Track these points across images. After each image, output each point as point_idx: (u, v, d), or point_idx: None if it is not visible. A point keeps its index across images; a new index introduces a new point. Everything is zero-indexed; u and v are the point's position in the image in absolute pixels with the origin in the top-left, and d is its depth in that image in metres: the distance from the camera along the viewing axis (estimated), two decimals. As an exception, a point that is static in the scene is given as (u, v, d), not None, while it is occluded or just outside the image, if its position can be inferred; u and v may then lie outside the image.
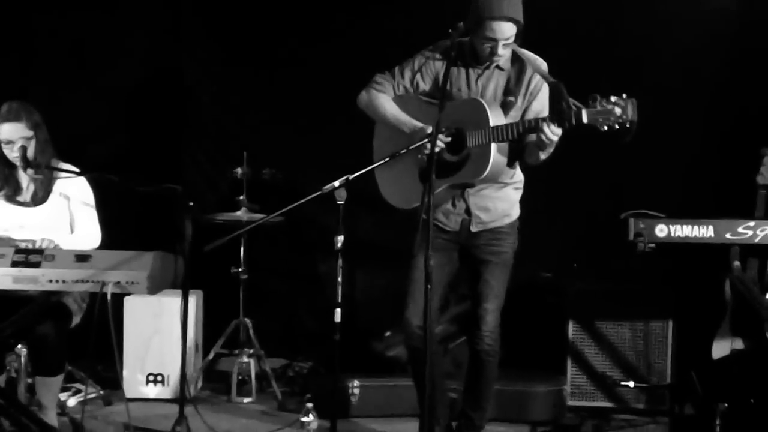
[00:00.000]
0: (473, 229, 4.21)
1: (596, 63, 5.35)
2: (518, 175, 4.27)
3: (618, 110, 3.62)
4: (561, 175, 5.06)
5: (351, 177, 3.76)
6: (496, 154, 3.99)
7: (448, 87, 3.96)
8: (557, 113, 3.77)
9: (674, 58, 5.44)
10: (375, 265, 5.73)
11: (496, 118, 3.97)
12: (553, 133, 3.83)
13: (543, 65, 4.05)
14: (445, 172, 3.98)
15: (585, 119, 3.71)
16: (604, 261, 5.16)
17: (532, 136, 3.93)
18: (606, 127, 3.68)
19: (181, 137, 6.09)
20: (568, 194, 5.57)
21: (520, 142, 4.01)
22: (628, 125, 3.63)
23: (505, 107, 4.06)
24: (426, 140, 3.91)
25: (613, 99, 3.65)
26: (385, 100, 4.21)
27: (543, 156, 4.02)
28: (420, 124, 4.08)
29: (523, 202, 4.32)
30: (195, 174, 5.98)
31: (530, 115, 4.06)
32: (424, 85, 4.18)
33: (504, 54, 3.99)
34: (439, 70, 4.10)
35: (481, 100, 4.02)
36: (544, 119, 3.84)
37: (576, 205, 5.59)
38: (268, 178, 5.44)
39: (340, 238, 3.82)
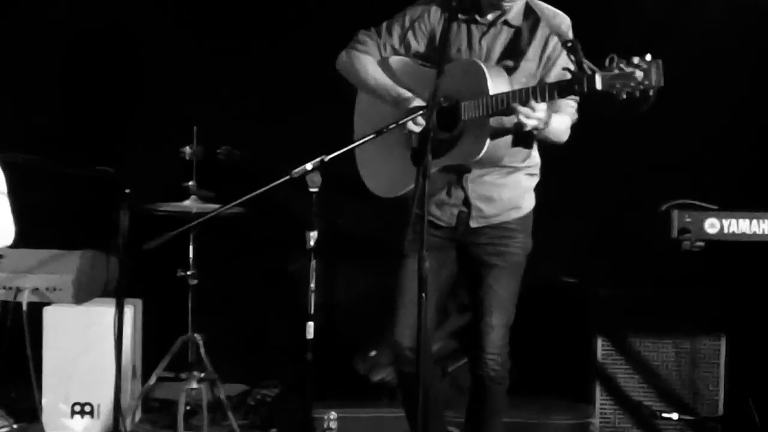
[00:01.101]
0: (473, 224, 4.06)
1: (618, 23, 5.24)
2: (533, 158, 4.10)
3: (639, 74, 3.54)
4: (584, 157, 4.93)
5: (327, 158, 3.70)
6: (499, 133, 3.88)
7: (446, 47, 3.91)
8: (573, 78, 3.66)
9: (709, 23, 5.39)
10: (357, 265, 5.64)
11: (497, 85, 3.84)
12: (531, 110, 3.72)
13: (564, 22, 3.96)
14: (434, 152, 3.80)
15: (599, 84, 3.59)
16: (639, 261, 5.11)
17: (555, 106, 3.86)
18: (625, 95, 3.58)
19: (124, 108, 5.94)
20: (593, 180, 5.42)
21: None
22: (651, 93, 3.56)
23: (509, 72, 3.93)
24: (416, 114, 3.84)
25: (635, 60, 3.56)
26: (367, 63, 4.13)
27: (556, 137, 3.94)
28: (406, 93, 4.00)
29: (537, 189, 4.15)
30: (138, 154, 5.83)
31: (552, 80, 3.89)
32: (417, 45, 4.09)
33: (515, 1, 3.91)
34: (435, 27, 4.03)
35: (479, 62, 3.92)
36: (525, 92, 3.73)
37: (603, 193, 5.44)
38: (224, 159, 5.29)
39: (314, 234, 3.76)
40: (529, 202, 4.15)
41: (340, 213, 5.45)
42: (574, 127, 3.98)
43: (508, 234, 4.11)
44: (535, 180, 4.16)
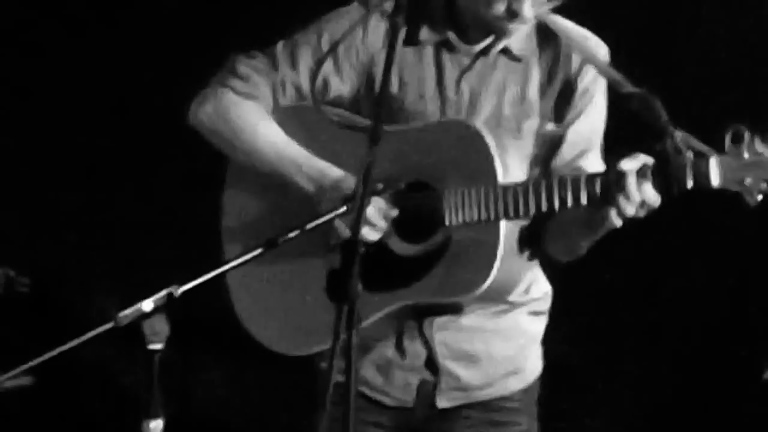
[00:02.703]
0: (442, 402, 3.71)
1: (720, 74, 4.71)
2: (539, 284, 3.77)
3: None
4: (623, 274, 4.72)
5: (178, 291, 3.17)
6: (508, 245, 3.55)
7: (395, 90, 3.59)
8: (660, 166, 3.39)
9: None
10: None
11: (511, 166, 3.54)
12: (646, 200, 3.36)
13: (601, 51, 3.68)
14: (390, 280, 3.58)
15: (716, 179, 3.27)
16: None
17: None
18: (760, 196, 3.27)
19: None
20: (645, 303, 4.87)
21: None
22: None
23: (521, 137, 3.67)
24: (345, 208, 3.38)
25: None
26: (254, 115, 3.74)
27: (588, 243, 3.61)
28: (334, 171, 3.62)
29: (548, 337, 3.83)
30: None
31: (569, 150, 3.67)
32: (343, 87, 3.73)
33: (528, 19, 3.50)
34: (375, 54, 3.70)
35: (477, 125, 3.54)
36: (623, 174, 3.37)
37: (670, 327, 4.86)
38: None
39: (155, 426, 3.29)
40: (534, 363, 3.86)
41: (205, 384, 5.22)
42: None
43: (503, 418, 3.81)
44: (543, 322, 3.88)
